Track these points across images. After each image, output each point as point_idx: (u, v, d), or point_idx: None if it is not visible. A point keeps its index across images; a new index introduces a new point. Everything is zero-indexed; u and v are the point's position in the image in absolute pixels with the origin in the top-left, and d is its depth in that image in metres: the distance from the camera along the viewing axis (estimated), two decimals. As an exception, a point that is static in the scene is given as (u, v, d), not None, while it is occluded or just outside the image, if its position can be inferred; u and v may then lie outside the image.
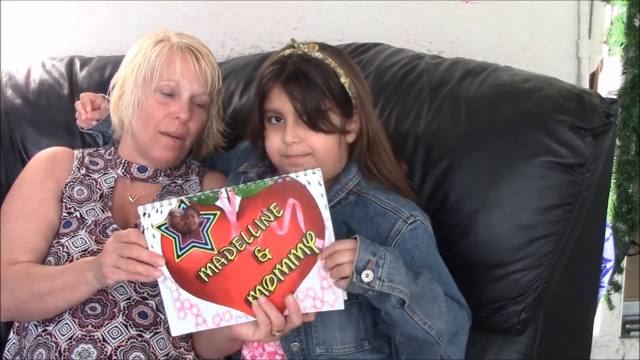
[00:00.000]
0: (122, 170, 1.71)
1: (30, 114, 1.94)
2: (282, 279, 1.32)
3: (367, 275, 1.31)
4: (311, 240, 1.32)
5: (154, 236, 1.32)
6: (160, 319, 1.57)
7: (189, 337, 1.60)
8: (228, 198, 1.32)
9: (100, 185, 1.69)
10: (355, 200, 1.50)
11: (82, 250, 1.59)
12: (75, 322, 1.53)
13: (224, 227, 1.32)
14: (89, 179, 1.70)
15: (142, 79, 1.63)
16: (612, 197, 2.37)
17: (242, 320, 1.33)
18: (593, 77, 2.45)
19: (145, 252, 1.34)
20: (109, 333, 1.53)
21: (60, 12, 2.19)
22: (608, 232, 2.09)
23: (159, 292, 1.56)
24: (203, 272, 1.32)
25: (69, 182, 1.68)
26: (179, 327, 1.35)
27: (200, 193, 1.33)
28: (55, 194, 1.66)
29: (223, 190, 1.32)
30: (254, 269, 1.32)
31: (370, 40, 2.05)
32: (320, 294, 1.33)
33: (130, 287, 1.58)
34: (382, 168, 1.51)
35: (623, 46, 2.35)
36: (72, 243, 1.60)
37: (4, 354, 1.63)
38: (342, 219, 1.47)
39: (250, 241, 1.32)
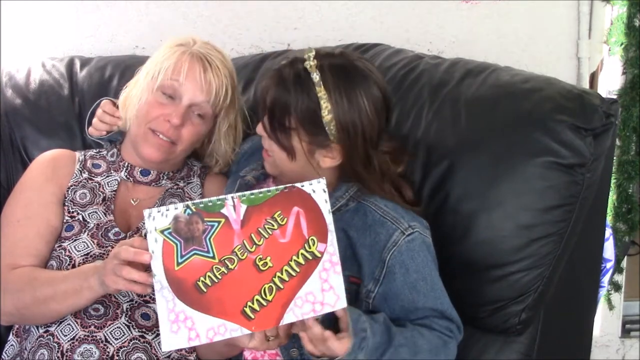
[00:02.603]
0: (125, 174, 1.71)
1: (30, 114, 1.94)
2: (281, 287, 1.31)
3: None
4: (313, 245, 1.31)
5: (156, 240, 1.29)
6: (162, 320, 1.57)
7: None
8: (234, 206, 1.31)
9: (103, 188, 1.69)
10: (355, 207, 1.50)
11: (85, 254, 1.59)
12: (77, 323, 1.53)
13: (227, 235, 1.30)
14: (92, 182, 1.70)
15: (150, 77, 1.64)
16: (612, 197, 2.37)
17: (236, 334, 1.31)
18: (593, 77, 2.44)
19: (131, 251, 1.33)
20: (111, 334, 1.53)
21: (60, 12, 2.18)
22: (608, 232, 2.09)
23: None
24: (202, 281, 1.29)
25: (71, 186, 1.68)
26: (171, 341, 1.30)
27: (206, 199, 1.31)
28: (57, 197, 1.66)
29: (229, 197, 1.31)
30: (253, 278, 1.30)
31: (370, 40, 2.05)
32: (320, 297, 1.31)
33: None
34: (378, 192, 1.50)
35: (623, 46, 2.35)
36: (74, 247, 1.60)
37: (2, 356, 1.62)
38: (342, 226, 1.47)
39: (252, 249, 1.30)
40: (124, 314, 1.55)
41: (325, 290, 1.32)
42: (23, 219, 1.62)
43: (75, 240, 1.61)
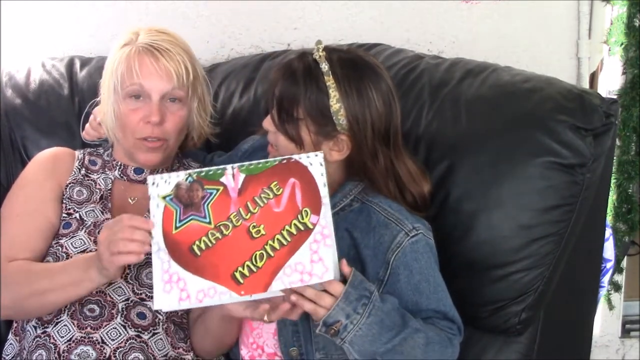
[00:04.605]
0: (119, 173, 1.71)
1: (30, 114, 1.94)
2: (272, 254, 1.33)
3: (331, 331, 1.35)
4: (307, 216, 1.34)
5: (157, 206, 1.36)
6: (159, 319, 1.57)
7: (187, 337, 1.61)
8: (233, 175, 1.36)
9: (99, 185, 1.69)
10: (359, 208, 1.50)
11: (81, 251, 1.59)
12: (74, 324, 1.53)
13: (224, 203, 1.35)
14: (88, 180, 1.70)
15: (112, 88, 1.62)
16: (612, 197, 2.37)
17: (225, 297, 1.34)
18: (593, 77, 2.44)
19: (138, 232, 1.36)
20: (107, 334, 1.53)
21: (60, 12, 2.18)
22: (608, 232, 2.09)
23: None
24: (197, 245, 1.34)
25: (69, 183, 1.68)
26: (163, 300, 1.35)
27: (207, 168, 1.37)
28: (56, 194, 1.66)
29: (229, 167, 1.37)
30: (246, 244, 1.34)
31: (370, 40, 2.06)
32: (309, 267, 1.33)
33: (129, 287, 1.58)
34: (383, 191, 1.50)
35: (623, 46, 2.35)
36: (71, 243, 1.60)
37: (2, 355, 1.62)
38: (345, 226, 1.47)
39: (247, 217, 1.35)
40: (119, 314, 1.55)
41: (314, 261, 1.34)
42: (22, 214, 1.62)
43: (72, 237, 1.61)
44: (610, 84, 2.44)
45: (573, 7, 2.39)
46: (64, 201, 1.66)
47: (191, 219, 1.35)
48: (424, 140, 1.69)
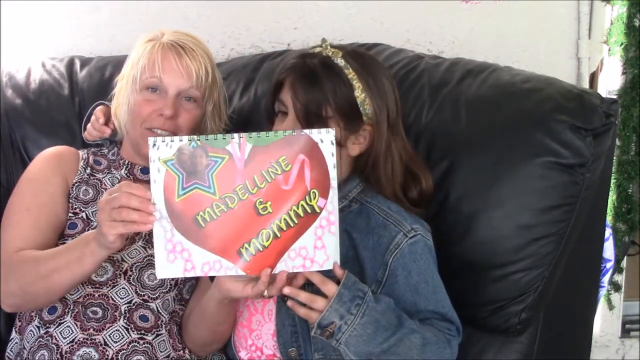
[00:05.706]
0: (126, 172, 1.71)
1: (30, 114, 1.94)
2: (279, 235, 1.31)
3: (326, 333, 1.35)
4: (314, 198, 1.31)
5: (158, 170, 1.30)
6: (162, 321, 1.58)
7: (186, 339, 1.61)
8: (239, 144, 1.31)
9: (105, 185, 1.69)
10: (358, 209, 1.50)
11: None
12: (77, 325, 1.53)
13: (230, 173, 1.30)
14: (94, 179, 1.70)
15: (131, 79, 1.64)
16: (612, 197, 2.37)
17: (230, 272, 1.32)
18: (593, 77, 2.45)
19: (134, 198, 1.31)
20: (110, 337, 1.53)
21: (60, 12, 2.19)
22: (608, 232, 2.09)
23: (161, 295, 1.56)
24: (201, 216, 1.30)
25: (75, 183, 1.69)
26: (166, 270, 1.31)
27: (212, 135, 1.32)
28: (63, 191, 1.66)
29: (235, 135, 1.31)
30: (252, 220, 1.31)
31: (370, 40, 2.06)
32: (312, 253, 1.32)
33: (132, 289, 1.58)
34: (384, 190, 1.51)
35: (623, 46, 2.35)
36: (77, 243, 1.60)
37: (7, 354, 1.62)
38: (344, 227, 1.47)
39: (254, 191, 1.30)
40: (122, 317, 1.55)
41: (317, 247, 1.32)
42: (32, 208, 1.62)
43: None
44: (610, 84, 2.44)
45: (573, 7, 2.40)
46: (70, 200, 1.66)
47: (195, 188, 1.30)
48: (423, 140, 1.69)
